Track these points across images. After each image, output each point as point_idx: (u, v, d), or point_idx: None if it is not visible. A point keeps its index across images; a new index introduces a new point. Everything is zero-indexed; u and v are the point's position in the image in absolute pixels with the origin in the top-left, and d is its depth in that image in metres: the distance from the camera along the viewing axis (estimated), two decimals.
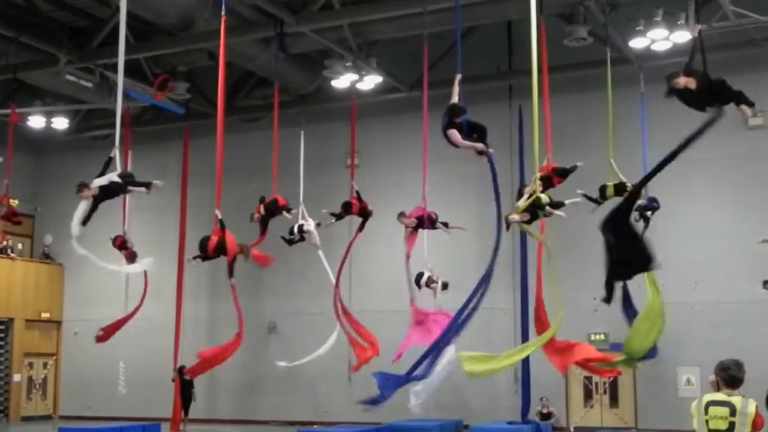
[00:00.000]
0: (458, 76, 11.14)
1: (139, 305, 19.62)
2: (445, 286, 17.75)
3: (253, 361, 24.25)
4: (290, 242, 18.32)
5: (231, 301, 15.03)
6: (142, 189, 11.56)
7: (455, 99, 10.91)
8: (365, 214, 18.49)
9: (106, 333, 19.51)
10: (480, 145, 11.38)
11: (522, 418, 20.19)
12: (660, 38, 18.70)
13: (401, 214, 16.41)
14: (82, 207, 11.18)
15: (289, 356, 20.41)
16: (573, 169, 14.41)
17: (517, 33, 21.12)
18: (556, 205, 12.15)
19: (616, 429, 20.90)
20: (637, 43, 19.11)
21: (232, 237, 13.60)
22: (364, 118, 21.93)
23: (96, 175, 11.31)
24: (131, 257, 19.01)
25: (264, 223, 17.76)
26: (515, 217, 11.58)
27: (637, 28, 18.69)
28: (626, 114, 18.98)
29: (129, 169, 11.77)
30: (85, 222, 11.23)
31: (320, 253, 18.34)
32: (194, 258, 13.99)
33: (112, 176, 11.30)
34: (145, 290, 19.56)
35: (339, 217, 18.53)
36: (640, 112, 18.76)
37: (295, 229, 18.07)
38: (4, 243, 25.80)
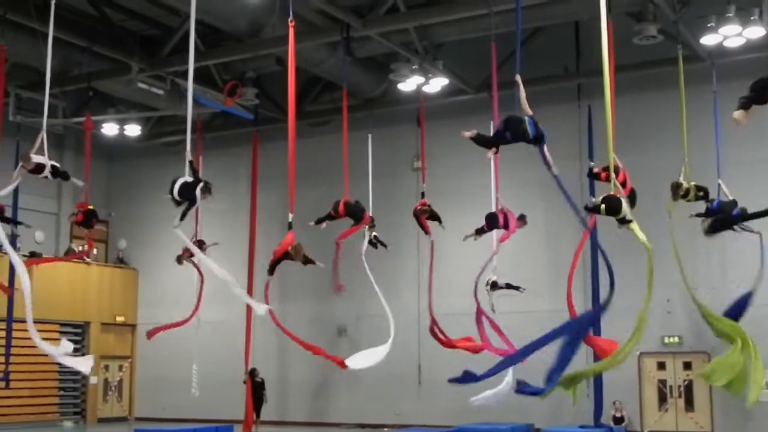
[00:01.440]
0: (518, 77, 10.92)
1: (195, 310, 19.89)
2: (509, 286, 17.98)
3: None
4: (375, 245, 18.53)
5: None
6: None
7: (524, 104, 10.68)
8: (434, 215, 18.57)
9: (156, 331, 19.99)
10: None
11: (594, 422, 19.94)
12: (732, 34, 18.29)
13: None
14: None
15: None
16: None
17: (585, 33, 20.89)
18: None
19: None
20: (708, 40, 18.73)
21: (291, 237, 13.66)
22: (431, 121, 21.90)
23: (172, 179, 11.46)
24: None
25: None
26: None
27: (709, 25, 18.31)
28: (697, 113, 18.59)
29: (200, 174, 11.83)
30: (182, 218, 11.45)
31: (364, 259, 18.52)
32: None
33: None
34: (199, 296, 19.80)
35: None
36: (711, 111, 18.36)
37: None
38: (81, 248, 26.41)
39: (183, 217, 11.28)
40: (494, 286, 18.59)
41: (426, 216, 18.54)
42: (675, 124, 17.65)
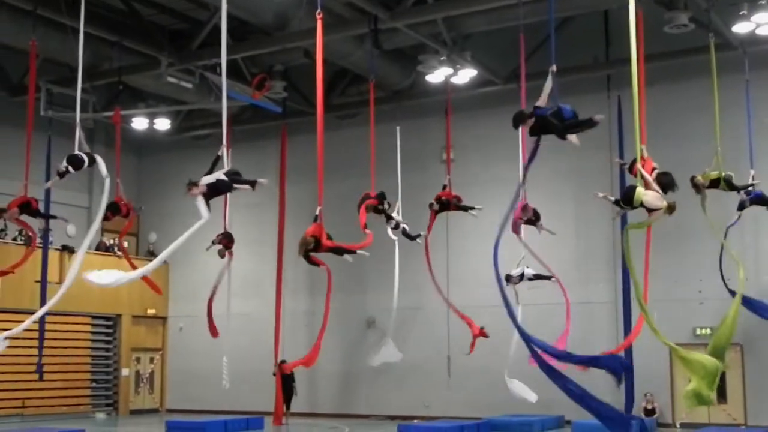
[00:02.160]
0: (552, 68, 10.83)
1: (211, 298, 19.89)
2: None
3: (352, 356, 24.49)
4: (410, 238, 18.56)
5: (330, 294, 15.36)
6: (247, 186, 11.65)
7: (545, 96, 10.60)
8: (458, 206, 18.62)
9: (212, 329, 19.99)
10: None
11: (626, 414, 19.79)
12: (765, 22, 18.08)
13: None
14: (201, 205, 11.32)
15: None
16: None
17: (615, 22, 20.71)
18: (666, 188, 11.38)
19: (725, 426, 20.31)
20: (740, 28, 18.50)
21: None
22: (459, 112, 21.84)
23: (204, 173, 11.50)
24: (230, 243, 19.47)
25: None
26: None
27: (741, 13, 18.09)
28: (729, 102, 18.40)
29: (228, 167, 11.82)
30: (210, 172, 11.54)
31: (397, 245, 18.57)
32: None
33: (219, 174, 11.42)
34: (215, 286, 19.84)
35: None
36: (743, 100, 18.15)
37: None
38: (112, 241, 26.65)
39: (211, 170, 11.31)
40: (522, 277, 18.53)
41: (450, 208, 18.63)
42: (707, 114, 17.47)
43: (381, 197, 17.39)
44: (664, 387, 21.07)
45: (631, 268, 10.80)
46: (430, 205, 18.91)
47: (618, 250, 20.47)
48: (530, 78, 16.83)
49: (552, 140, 10.94)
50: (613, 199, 11.45)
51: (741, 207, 16.82)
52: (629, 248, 10.47)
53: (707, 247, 18.56)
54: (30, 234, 22.04)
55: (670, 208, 10.47)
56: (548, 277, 18.66)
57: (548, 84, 10.52)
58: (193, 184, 11.22)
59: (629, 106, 12.18)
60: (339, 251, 13.98)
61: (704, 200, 15.73)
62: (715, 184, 15.99)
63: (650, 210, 10.67)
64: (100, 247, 26.25)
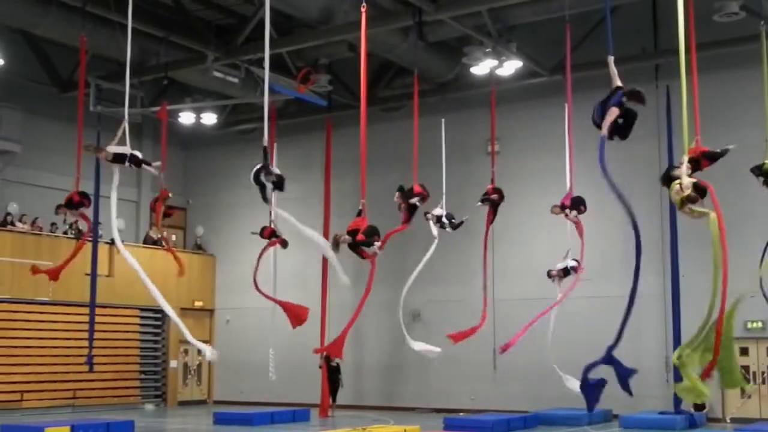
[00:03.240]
0: (611, 58, 10.72)
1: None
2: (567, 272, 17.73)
3: (398, 348, 24.48)
4: (454, 227, 18.48)
5: (374, 287, 15.32)
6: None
7: (618, 81, 10.48)
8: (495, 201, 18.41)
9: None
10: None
11: (674, 409, 19.57)
12: None
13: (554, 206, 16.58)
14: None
15: (433, 343, 20.48)
16: (724, 152, 13.44)
17: (663, 11, 20.45)
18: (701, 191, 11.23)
19: None
20: None
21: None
22: (504, 104, 21.70)
23: (251, 167, 11.60)
24: (284, 244, 19.52)
25: (409, 211, 17.78)
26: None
27: None
28: None
29: (275, 161, 12.03)
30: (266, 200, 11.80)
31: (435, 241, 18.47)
32: None
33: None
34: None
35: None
36: None
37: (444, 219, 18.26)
38: (161, 235, 26.93)
39: (265, 199, 11.49)
40: (567, 272, 18.30)
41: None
42: (757, 103, 17.16)
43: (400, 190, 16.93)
44: (714, 381, 20.71)
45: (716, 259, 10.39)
46: (485, 200, 18.61)
47: (666, 242, 20.23)
48: (576, 69, 16.71)
49: (597, 131, 10.84)
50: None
51: None
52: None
53: (759, 240, 18.27)
54: (80, 228, 22.45)
55: (682, 202, 10.34)
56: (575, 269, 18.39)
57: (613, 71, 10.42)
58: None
59: (678, 96, 12.01)
60: (365, 244, 13.97)
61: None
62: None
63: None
64: (147, 241, 26.56)
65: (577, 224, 17.00)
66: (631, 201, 10.59)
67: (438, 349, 18.82)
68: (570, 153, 16.70)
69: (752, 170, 15.59)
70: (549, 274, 18.09)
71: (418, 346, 18.84)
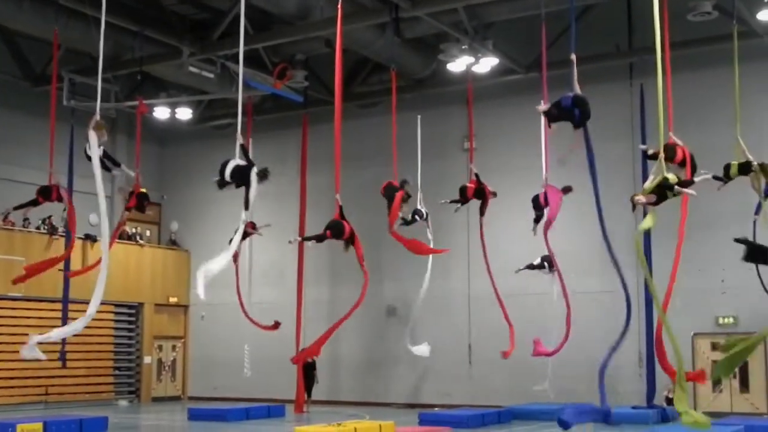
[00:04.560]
0: (573, 56, 10.84)
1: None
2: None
3: (373, 344, 24.58)
4: (407, 223, 18.63)
5: (350, 284, 15.37)
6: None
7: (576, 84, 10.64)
8: (483, 196, 18.45)
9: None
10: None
11: (647, 403, 19.74)
12: None
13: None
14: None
15: (409, 340, 20.61)
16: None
17: (637, 10, 20.58)
18: (685, 184, 11.51)
19: (747, 415, 20.21)
20: (765, 16, 18.37)
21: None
22: (481, 101, 21.77)
23: (220, 162, 11.64)
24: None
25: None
26: (641, 198, 11.04)
27: (766, 0, 17.93)
28: (753, 90, 18.27)
29: (251, 156, 12.04)
30: (246, 207, 11.74)
31: (430, 237, 18.55)
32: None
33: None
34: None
35: (462, 202, 18.59)
36: (767, 88, 18.02)
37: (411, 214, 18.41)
38: (134, 230, 26.81)
39: (247, 205, 11.49)
40: (544, 266, 18.55)
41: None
42: (729, 102, 17.32)
43: (404, 184, 17.08)
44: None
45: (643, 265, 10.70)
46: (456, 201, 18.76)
47: (641, 238, 20.36)
48: (552, 67, 16.77)
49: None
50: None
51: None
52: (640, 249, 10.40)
53: (730, 236, 18.44)
54: (54, 224, 22.33)
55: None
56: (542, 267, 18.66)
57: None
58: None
59: (652, 94, 12.13)
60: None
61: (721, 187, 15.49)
62: (745, 170, 15.69)
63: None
64: (122, 236, 26.39)
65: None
66: (605, 199, 10.73)
67: (428, 347, 19.02)
68: (546, 150, 16.76)
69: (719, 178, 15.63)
70: (531, 266, 18.36)
71: (417, 350, 19.13)
